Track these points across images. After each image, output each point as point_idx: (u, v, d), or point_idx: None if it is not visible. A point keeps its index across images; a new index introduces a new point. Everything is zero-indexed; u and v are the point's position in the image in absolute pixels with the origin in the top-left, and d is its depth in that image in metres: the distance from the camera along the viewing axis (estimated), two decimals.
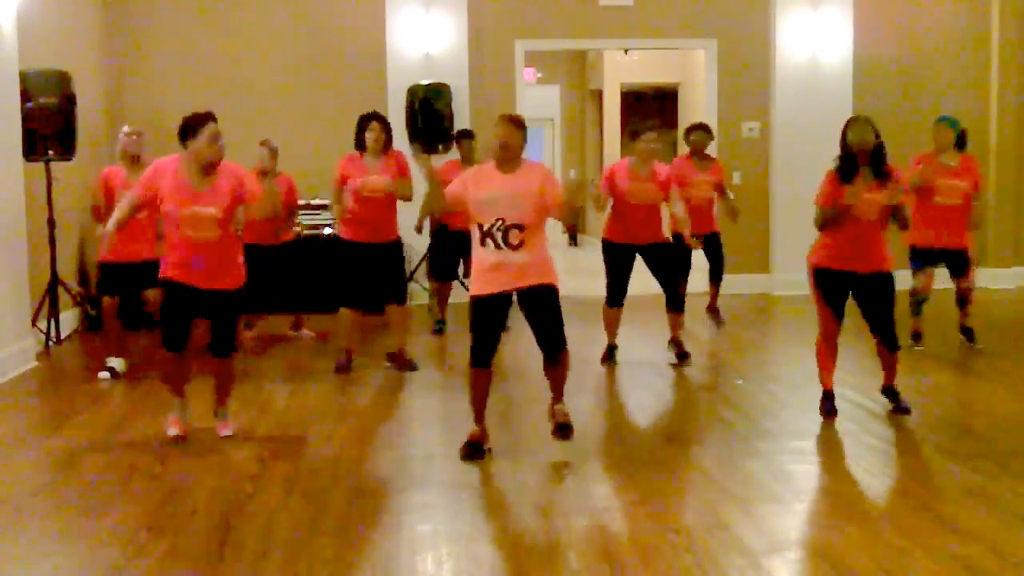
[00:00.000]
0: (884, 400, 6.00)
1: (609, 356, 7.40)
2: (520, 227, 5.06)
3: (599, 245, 7.42)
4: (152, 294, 6.52)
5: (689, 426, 6.08)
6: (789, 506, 4.55)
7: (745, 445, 5.46)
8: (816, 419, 5.85)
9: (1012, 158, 11.05)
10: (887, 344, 5.82)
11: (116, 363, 7.14)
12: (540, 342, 5.26)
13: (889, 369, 5.92)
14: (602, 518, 4.46)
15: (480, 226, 5.12)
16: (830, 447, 5.48)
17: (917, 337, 7.70)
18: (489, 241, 5.10)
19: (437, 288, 8.93)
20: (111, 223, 5.42)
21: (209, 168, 5.31)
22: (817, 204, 5.74)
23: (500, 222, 5.05)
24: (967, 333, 7.74)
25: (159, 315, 5.59)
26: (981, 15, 11.04)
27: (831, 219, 5.63)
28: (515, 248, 5.07)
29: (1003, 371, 7.18)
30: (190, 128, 5.28)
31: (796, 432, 5.81)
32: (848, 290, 5.76)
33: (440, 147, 9.77)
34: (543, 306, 5.18)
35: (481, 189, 5.13)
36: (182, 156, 5.33)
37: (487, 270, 5.14)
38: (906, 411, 5.85)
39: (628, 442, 5.77)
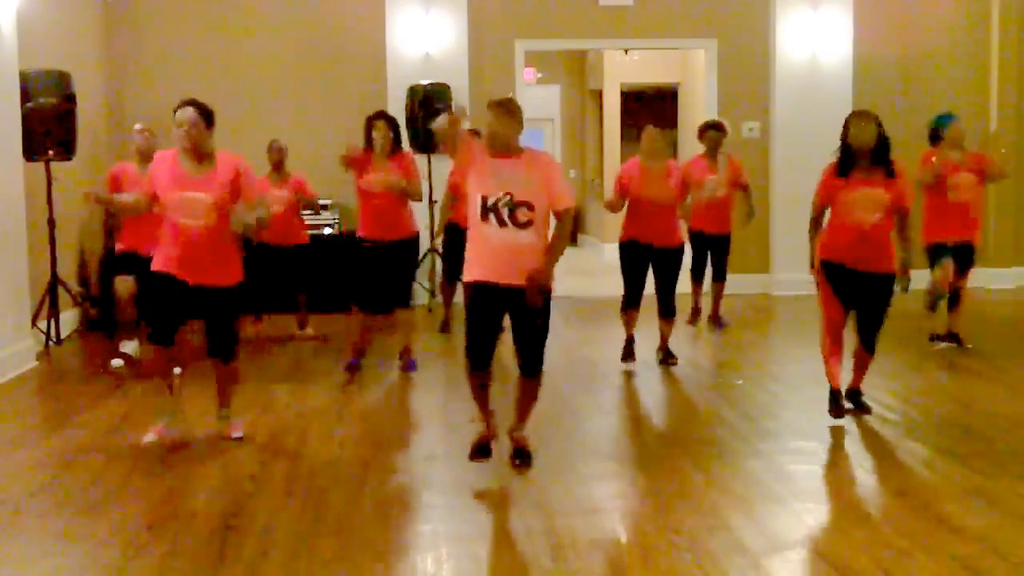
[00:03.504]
0: (885, 400, 6.01)
1: (628, 353, 7.22)
2: (530, 206, 4.67)
3: (599, 245, 7.41)
4: None
5: (689, 426, 6.08)
6: (789, 506, 4.54)
7: (745, 445, 5.46)
8: (817, 419, 5.84)
9: (1012, 158, 11.04)
10: (866, 344, 5.76)
11: (130, 347, 6.95)
12: (519, 356, 4.94)
13: (859, 371, 5.88)
14: (602, 518, 4.45)
15: (484, 199, 4.67)
16: (830, 447, 5.47)
17: (935, 339, 7.68)
18: (492, 217, 4.66)
19: (444, 289, 8.78)
20: (111, 199, 5.56)
21: (194, 155, 5.23)
22: (814, 201, 5.73)
23: (508, 196, 4.64)
24: (954, 338, 7.68)
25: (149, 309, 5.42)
26: (981, 15, 11.05)
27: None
28: (522, 227, 4.65)
29: (1003, 371, 7.17)
30: (174, 114, 5.26)
31: (797, 432, 5.81)
32: (853, 285, 5.65)
33: (440, 147, 9.76)
34: (533, 318, 4.82)
35: (485, 162, 4.75)
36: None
37: (489, 251, 4.71)
38: (866, 410, 5.84)
39: (628, 442, 5.77)
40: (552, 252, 4.79)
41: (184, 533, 4.27)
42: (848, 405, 5.83)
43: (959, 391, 6.70)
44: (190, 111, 5.21)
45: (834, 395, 5.77)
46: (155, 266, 5.30)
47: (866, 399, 5.97)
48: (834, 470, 5.18)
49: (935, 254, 7.42)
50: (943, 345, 7.69)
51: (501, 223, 4.67)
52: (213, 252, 5.24)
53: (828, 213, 5.74)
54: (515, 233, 4.68)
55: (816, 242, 5.77)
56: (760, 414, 6.15)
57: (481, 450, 5.05)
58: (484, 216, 4.70)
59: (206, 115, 5.27)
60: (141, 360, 6.35)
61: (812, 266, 5.78)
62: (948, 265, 7.40)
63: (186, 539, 4.21)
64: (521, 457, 5.04)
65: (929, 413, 6.04)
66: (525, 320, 4.84)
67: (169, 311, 5.31)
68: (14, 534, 4.35)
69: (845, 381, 5.83)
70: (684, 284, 7.60)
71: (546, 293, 4.80)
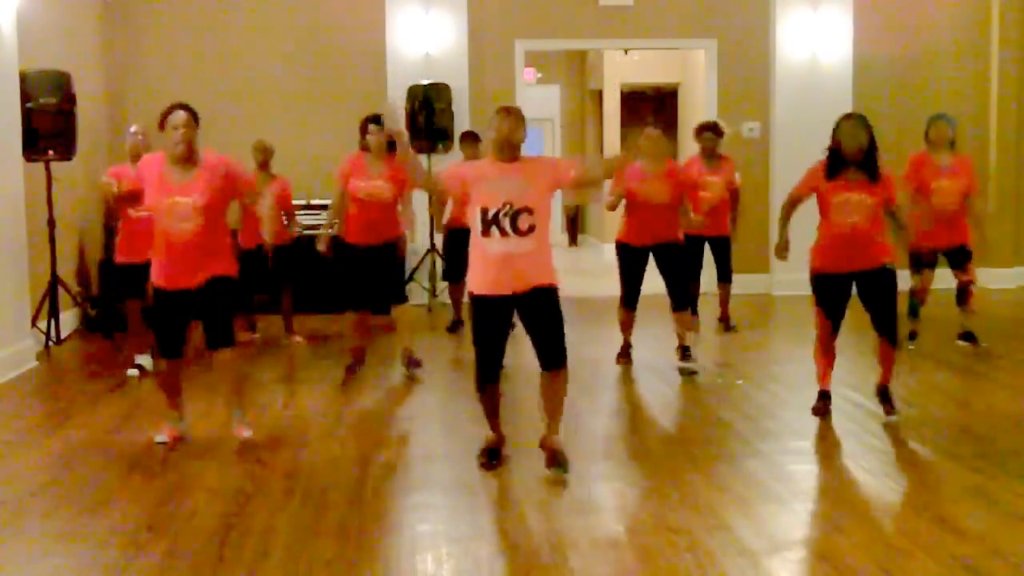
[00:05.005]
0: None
1: (625, 355, 7.31)
2: (530, 211, 4.74)
3: (598, 245, 7.40)
4: None
5: (689, 426, 6.08)
6: (789, 506, 4.54)
7: (745, 445, 5.46)
8: (817, 419, 5.84)
9: (1012, 158, 11.05)
10: (888, 338, 5.71)
11: (144, 360, 7.13)
12: (539, 352, 4.93)
13: (886, 367, 5.81)
14: (602, 518, 4.46)
15: (484, 211, 4.74)
16: (830, 447, 5.48)
17: (912, 336, 7.70)
18: (495, 229, 4.73)
19: (451, 289, 8.87)
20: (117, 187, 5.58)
21: (184, 159, 5.24)
22: (793, 190, 5.91)
23: (508, 207, 4.72)
24: (968, 337, 7.67)
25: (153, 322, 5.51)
26: (981, 15, 11.05)
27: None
28: (524, 234, 4.73)
29: (1003, 371, 7.18)
30: (161, 119, 5.27)
31: (796, 432, 5.81)
32: (847, 292, 5.71)
33: (440, 147, 9.78)
34: (544, 311, 4.86)
35: (482, 174, 4.87)
36: (165, 150, 5.32)
37: (491, 264, 4.79)
38: (892, 409, 5.79)
39: (628, 442, 5.77)
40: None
41: (184, 533, 4.27)
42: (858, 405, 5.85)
43: (959, 391, 6.70)
44: (184, 114, 5.23)
45: (821, 396, 5.91)
46: (153, 282, 5.37)
47: (867, 399, 5.98)
48: (834, 470, 5.18)
49: (916, 260, 7.46)
50: (962, 344, 7.67)
51: (503, 233, 4.74)
52: (205, 252, 5.27)
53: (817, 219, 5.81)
54: (518, 242, 4.75)
55: (786, 231, 6.03)
56: (760, 414, 6.15)
57: (492, 456, 5.10)
58: (485, 230, 4.76)
59: (196, 118, 5.31)
60: (155, 372, 6.43)
61: (778, 248, 6.02)
62: (928, 275, 7.49)
63: (186, 539, 4.21)
64: (556, 463, 4.89)
65: (929, 413, 6.03)
66: (537, 317, 4.88)
67: (173, 323, 5.39)
68: (15, 534, 4.35)
69: (842, 381, 5.84)
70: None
71: (552, 291, 4.88)
